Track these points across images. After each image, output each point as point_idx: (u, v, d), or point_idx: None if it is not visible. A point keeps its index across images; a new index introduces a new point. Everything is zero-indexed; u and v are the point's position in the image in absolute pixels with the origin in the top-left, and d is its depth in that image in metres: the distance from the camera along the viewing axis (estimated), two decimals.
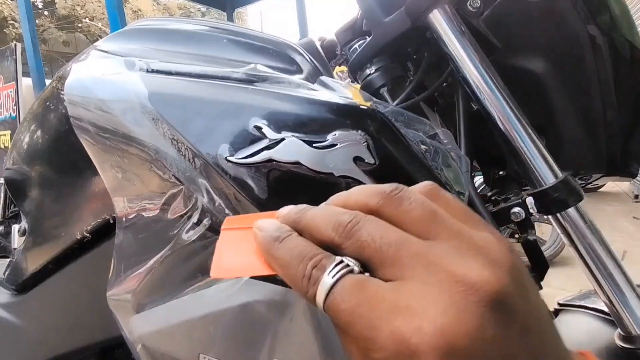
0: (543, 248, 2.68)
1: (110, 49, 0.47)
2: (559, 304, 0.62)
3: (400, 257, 0.19)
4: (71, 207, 0.45)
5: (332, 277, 0.20)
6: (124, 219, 0.37)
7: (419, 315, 0.17)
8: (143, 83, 0.37)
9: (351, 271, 0.20)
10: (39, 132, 0.49)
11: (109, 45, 0.48)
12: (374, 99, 0.48)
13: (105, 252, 0.42)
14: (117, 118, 0.36)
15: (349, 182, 0.33)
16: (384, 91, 0.55)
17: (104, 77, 0.38)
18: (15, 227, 0.53)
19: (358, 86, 0.58)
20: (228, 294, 0.34)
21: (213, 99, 0.36)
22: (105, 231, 0.44)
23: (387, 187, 0.23)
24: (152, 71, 0.39)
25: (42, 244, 0.48)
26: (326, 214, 0.22)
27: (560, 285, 2.52)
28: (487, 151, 0.57)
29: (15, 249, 0.53)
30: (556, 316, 0.61)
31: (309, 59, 0.53)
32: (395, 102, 0.53)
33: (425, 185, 0.24)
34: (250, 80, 0.41)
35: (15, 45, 3.44)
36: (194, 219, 0.34)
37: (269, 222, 0.24)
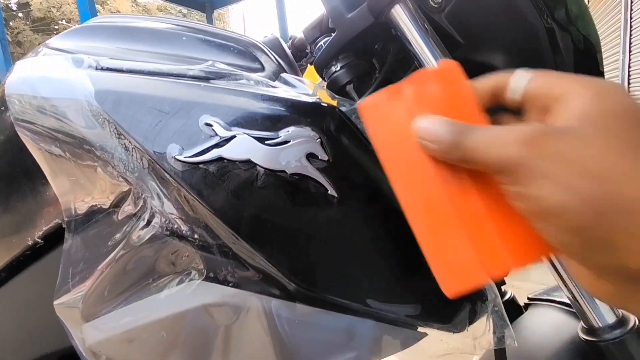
0: None
1: (62, 46, 0.45)
2: (529, 299, 0.62)
3: None
4: (21, 212, 0.43)
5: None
6: (73, 223, 0.36)
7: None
8: (90, 81, 0.35)
9: None
10: None
11: (62, 43, 0.46)
12: (338, 97, 0.48)
13: (59, 258, 0.41)
14: (62, 117, 0.34)
15: (301, 180, 0.32)
16: (350, 88, 0.54)
17: (49, 74, 0.36)
18: None
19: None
20: (180, 297, 0.33)
21: (163, 96, 0.35)
22: (58, 236, 0.42)
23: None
24: (102, 69, 0.38)
25: None
26: None
27: (540, 279, 2.56)
28: None
29: None
30: (526, 310, 0.61)
31: (272, 57, 0.52)
32: (360, 100, 0.52)
33: None
34: (207, 77, 0.39)
35: None
36: (144, 220, 0.33)
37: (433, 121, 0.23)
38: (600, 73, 0.49)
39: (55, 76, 0.36)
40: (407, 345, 0.35)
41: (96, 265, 0.34)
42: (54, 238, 0.42)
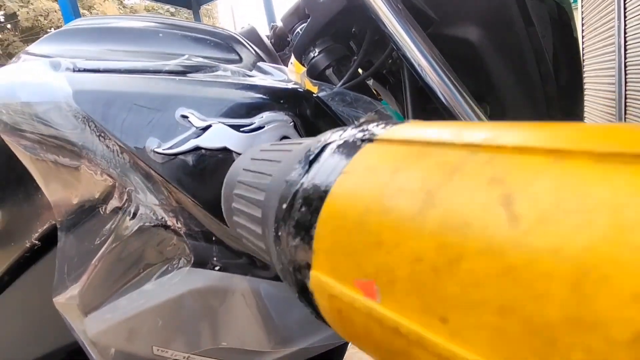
0: None
1: (41, 51, 0.46)
2: None
3: None
4: (17, 217, 0.44)
5: None
6: (65, 222, 0.37)
7: None
8: (68, 83, 0.36)
9: None
10: None
11: (41, 48, 0.47)
12: (318, 82, 0.48)
13: (56, 257, 0.42)
14: (43, 120, 0.35)
15: None
16: (329, 72, 0.55)
17: (28, 79, 0.37)
18: None
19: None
20: (171, 285, 0.34)
21: (140, 92, 0.36)
22: (54, 236, 0.43)
23: None
24: (79, 70, 0.38)
25: None
26: None
27: None
28: None
29: None
30: None
31: (250, 48, 0.53)
32: (340, 83, 0.53)
33: None
34: (183, 71, 0.40)
35: None
36: (130, 212, 0.34)
37: None
38: (574, 39, 0.50)
39: (34, 81, 0.37)
40: None
41: (89, 260, 0.35)
42: (50, 238, 0.44)
